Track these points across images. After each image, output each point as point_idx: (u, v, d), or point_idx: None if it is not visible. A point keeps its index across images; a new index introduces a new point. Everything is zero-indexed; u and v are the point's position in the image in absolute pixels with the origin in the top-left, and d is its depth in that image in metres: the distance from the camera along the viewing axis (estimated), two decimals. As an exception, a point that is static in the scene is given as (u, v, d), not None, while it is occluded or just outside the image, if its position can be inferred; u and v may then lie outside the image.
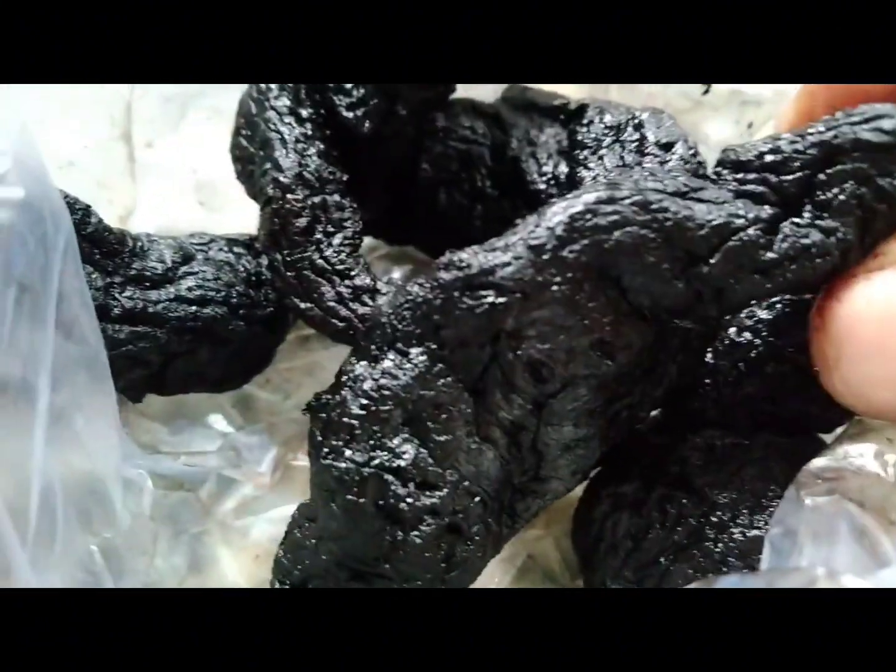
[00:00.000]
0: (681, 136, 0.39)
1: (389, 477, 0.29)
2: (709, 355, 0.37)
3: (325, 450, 0.29)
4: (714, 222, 0.29)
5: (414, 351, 0.29)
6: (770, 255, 0.29)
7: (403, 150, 0.42)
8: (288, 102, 0.38)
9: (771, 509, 0.34)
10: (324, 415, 0.30)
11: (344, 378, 0.30)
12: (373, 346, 0.30)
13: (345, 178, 0.38)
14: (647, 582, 0.35)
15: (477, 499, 0.30)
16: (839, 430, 0.34)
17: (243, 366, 0.37)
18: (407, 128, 0.41)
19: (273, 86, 0.39)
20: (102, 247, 0.33)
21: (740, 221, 0.29)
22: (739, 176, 0.30)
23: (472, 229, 0.43)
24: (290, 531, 0.33)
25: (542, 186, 0.41)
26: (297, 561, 0.31)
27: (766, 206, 0.29)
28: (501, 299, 0.28)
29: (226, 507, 0.37)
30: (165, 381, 0.35)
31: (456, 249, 0.29)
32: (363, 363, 0.30)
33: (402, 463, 0.29)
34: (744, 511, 0.34)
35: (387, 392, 0.29)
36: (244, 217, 0.41)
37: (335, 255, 0.37)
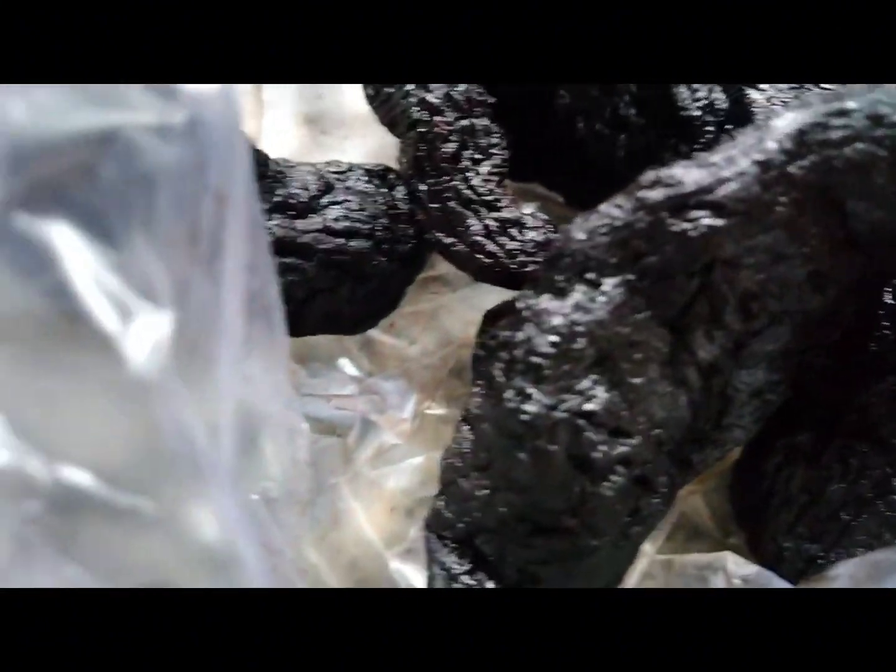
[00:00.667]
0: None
1: (582, 422, 0.26)
2: (888, 295, 0.35)
3: (511, 391, 0.27)
4: None
5: (608, 282, 0.27)
6: None
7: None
8: None
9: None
10: (504, 353, 0.28)
11: (525, 313, 0.28)
12: (559, 277, 0.28)
13: (492, 100, 0.35)
14: (826, 538, 0.33)
15: (666, 448, 0.28)
16: None
17: (378, 305, 0.35)
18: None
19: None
20: None
21: None
22: None
23: (613, 161, 0.40)
24: (451, 481, 0.31)
25: (696, 113, 0.38)
26: (463, 513, 0.30)
27: None
28: (721, 221, 0.25)
29: (365, 455, 0.35)
30: (303, 320, 0.33)
31: (659, 169, 0.27)
32: (548, 296, 0.28)
33: (595, 407, 0.27)
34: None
35: (579, 328, 0.27)
36: (367, 149, 0.38)
37: (482, 184, 0.34)
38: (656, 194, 0.26)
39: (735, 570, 0.32)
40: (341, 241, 0.32)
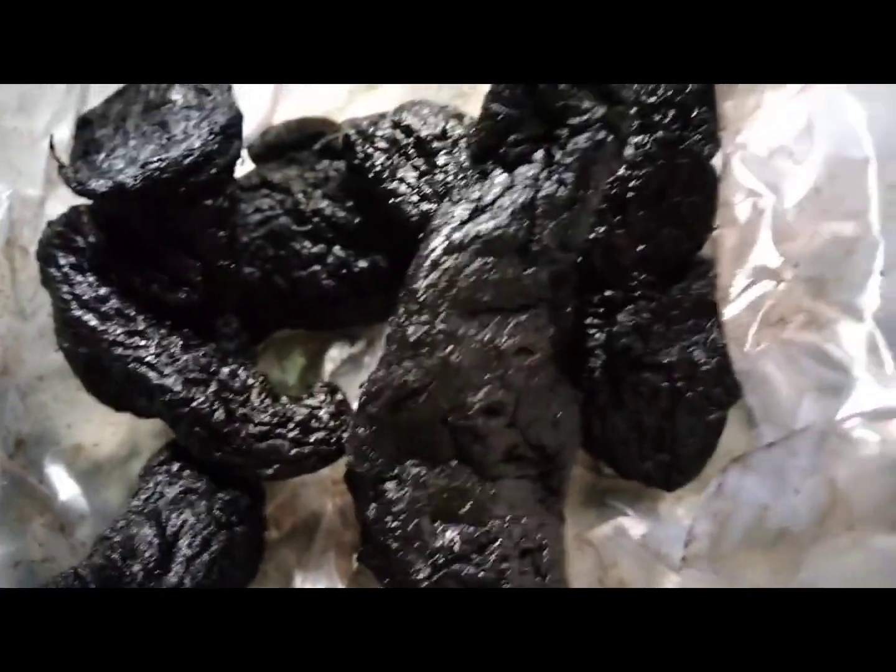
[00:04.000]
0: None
1: (455, 566, 0.37)
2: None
3: (399, 578, 0.38)
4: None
5: (409, 471, 0.38)
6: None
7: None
8: (121, 327, 0.43)
9: (712, 334, 0.46)
10: (375, 561, 0.39)
11: (368, 526, 0.38)
12: (368, 491, 0.38)
13: (213, 346, 0.44)
14: (666, 446, 0.46)
15: (523, 520, 0.40)
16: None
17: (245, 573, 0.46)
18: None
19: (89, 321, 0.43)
20: None
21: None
22: None
23: (323, 293, 0.51)
24: None
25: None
26: None
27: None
28: (423, 395, 0.37)
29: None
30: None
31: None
32: (373, 505, 0.38)
33: (457, 548, 0.37)
34: (696, 352, 0.46)
35: (404, 512, 0.37)
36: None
37: (264, 413, 0.43)
38: (377, 407, 0.38)
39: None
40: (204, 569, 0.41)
